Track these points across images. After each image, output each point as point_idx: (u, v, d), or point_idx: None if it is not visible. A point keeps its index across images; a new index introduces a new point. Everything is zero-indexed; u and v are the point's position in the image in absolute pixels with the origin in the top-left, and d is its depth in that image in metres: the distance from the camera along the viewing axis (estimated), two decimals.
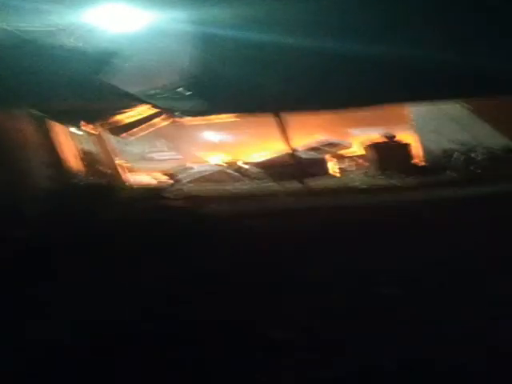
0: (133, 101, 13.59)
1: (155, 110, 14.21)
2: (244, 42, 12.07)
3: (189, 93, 13.13)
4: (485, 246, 7.04)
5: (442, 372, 4.17)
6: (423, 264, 6.54)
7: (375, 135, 15.72)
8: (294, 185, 13.39)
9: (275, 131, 13.78)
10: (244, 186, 14.58)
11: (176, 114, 13.65)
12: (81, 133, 15.81)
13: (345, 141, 17.63)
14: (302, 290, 6.03)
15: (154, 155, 19.81)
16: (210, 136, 19.65)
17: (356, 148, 16.46)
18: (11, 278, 6.93)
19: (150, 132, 16.52)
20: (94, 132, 15.77)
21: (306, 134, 17.19)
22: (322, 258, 7.28)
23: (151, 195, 12.99)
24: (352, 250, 7.51)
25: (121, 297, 6.11)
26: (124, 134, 16.45)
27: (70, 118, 14.48)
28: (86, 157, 15.73)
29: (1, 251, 7.96)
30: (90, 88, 12.45)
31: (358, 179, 14.18)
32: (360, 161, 15.67)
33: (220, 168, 15.90)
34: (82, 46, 17.93)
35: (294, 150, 14.17)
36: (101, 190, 12.43)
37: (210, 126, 17.14)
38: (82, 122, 14.92)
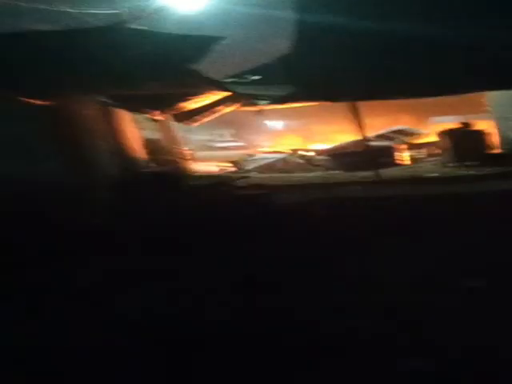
0: (208, 86, 13.21)
1: (222, 96, 13.86)
2: (325, 28, 11.69)
3: (266, 79, 12.59)
4: None
5: None
6: (502, 256, 6.03)
7: (451, 123, 15.16)
8: (363, 174, 12.90)
9: (347, 118, 13.33)
10: (310, 174, 14.25)
11: (253, 101, 13.16)
12: (147, 120, 15.88)
13: (417, 129, 17.12)
14: (370, 283, 5.63)
15: (219, 143, 19.85)
16: (277, 123, 19.54)
17: (429, 136, 15.91)
18: (72, 268, 6.85)
19: (215, 119, 16.42)
20: (161, 119, 15.81)
21: (380, 121, 16.80)
22: (390, 249, 6.85)
23: (216, 184, 12.80)
24: (422, 241, 7.08)
25: (186, 289, 5.89)
26: (190, 121, 16.44)
27: (137, 104, 14.49)
28: (152, 144, 15.77)
29: (67, 240, 7.90)
30: (161, 73, 12.22)
31: (429, 168, 13.62)
32: (433, 149, 15.08)
33: (286, 156, 15.60)
34: (148, 29, 18.03)
35: (365, 138, 13.55)
36: (166, 179, 12.31)
37: (276, 113, 16.90)
38: (149, 109, 14.96)
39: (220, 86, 12.74)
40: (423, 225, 7.92)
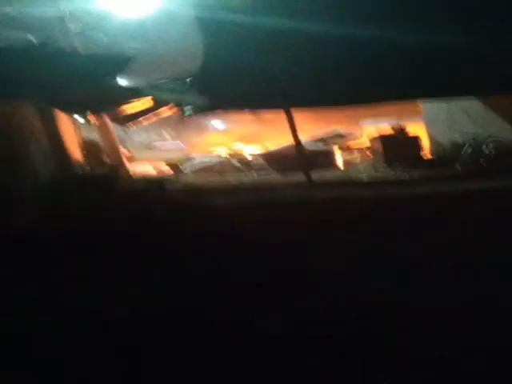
0: (137, 92, 13.28)
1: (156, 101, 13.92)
2: (256, 30, 11.74)
3: (195, 85, 12.55)
4: (485, 241, 6.77)
5: None
6: (421, 259, 6.27)
7: (385, 126, 15.49)
8: (298, 177, 13.10)
9: (283, 122, 13.47)
10: (247, 177, 14.40)
11: (180, 108, 13.16)
12: (86, 122, 15.76)
13: (352, 132, 17.45)
14: (300, 284, 5.78)
15: (158, 144, 19.80)
16: (215, 126, 19.62)
17: (364, 139, 16.25)
18: (10, 270, 6.80)
19: (154, 122, 16.42)
20: (99, 122, 15.72)
21: (315, 124, 17.03)
22: (322, 251, 7.02)
23: (152, 185, 12.83)
24: (352, 244, 7.27)
25: (116, 291, 5.92)
26: (129, 124, 16.41)
27: (76, 108, 14.39)
28: (91, 146, 15.69)
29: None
30: (95, 78, 12.21)
31: (363, 171, 13.91)
32: (367, 152, 15.43)
33: (223, 159, 15.72)
34: (89, 33, 17.91)
35: (300, 141, 13.70)
36: (102, 180, 12.29)
37: (215, 116, 17.05)
38: (88, 112, 14.85)
39: (146, 93, 12.76)
40: (347, 227, 8.13)
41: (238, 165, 15.23)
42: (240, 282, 5.85)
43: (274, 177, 14.11)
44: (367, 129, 17.18)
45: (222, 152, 16.61)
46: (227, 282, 5.90)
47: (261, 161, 15.18)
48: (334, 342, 4.22)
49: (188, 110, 12.92)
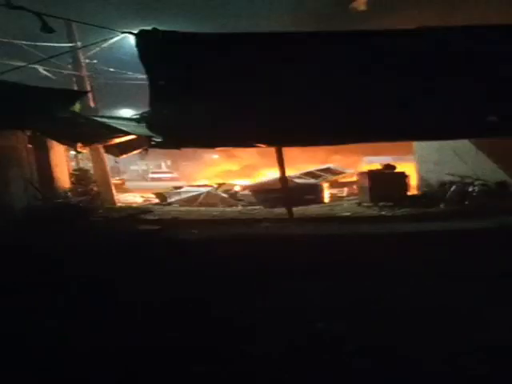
0: (114, 129, 13.22)
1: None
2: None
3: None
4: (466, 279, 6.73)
5: None
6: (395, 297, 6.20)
7: (376, 164, 15.50)
8: (282, 210, 13.06)
9: (272, 156, 13.40)
10: (229, 209, 14.39)
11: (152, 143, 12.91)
12: (77, 153, 15.94)
13: (343, 168, 17.48)
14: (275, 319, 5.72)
15: (151, 174, 19.96)
16: (207, 157, 19.77)
17: (353, 175, 16.24)
18: None
19: (151, 153, 16.51)
20: (91, 152, 15.88)
21: (305, 157, 17.10)
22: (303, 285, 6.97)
23: (132, 216, 12.83)
24: (335, 278, 7.21)
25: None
26: (120, 154, 16.53)
27: (68, 139, 14.54)
28: (80, 176, 15.85)
29: None
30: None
31: (347, 207, 13.85)
32: (353, 188, 15.39)
33: (210, 190, 15.74)
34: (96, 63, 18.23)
35: (287, 175, 13.67)
36: (83, 209, 12.36)
37: (206, 148, 17.10)
38: (79, 143, 14.98)
39: (119, 130, 12.75)
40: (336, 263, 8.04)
41: (224, 196, 15.25)
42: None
43: (259, 209, 14.07)
44: (360, 165, 17.22)
45: (210, 183, 16.67)
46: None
47: (246, 193, 15.18)
48: None
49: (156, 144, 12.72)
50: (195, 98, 10.60)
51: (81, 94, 12.82)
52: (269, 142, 12.07)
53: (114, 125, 12.58)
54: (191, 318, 5.78)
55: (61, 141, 14.46)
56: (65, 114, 11.80)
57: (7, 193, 11.95)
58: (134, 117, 13.75)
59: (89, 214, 12.17)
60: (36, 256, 8.52)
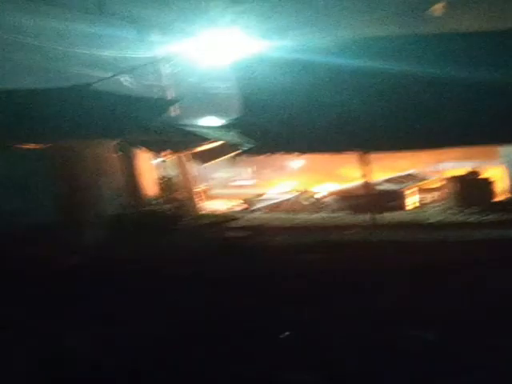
0: (213, 133, 13.61)
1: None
2: (340, 72, 11.85)
3: (271, 126, 12.59)
4: None
5: None
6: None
7: (461, 169, 15.11)
8: (364, 217, 12.95)
9: (355, 161, 13.34)
10: (312, 216, 14.38)
11: (243, 149, 13.18)
12: (163, 161, 16.38)
13: (426, 174, 17.11)
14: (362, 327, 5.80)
15: (234, 182, 20.20)
16: (290, 164, 19.81)
17: (437, 181, 15.88)
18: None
19: (229, 160, 16.77)
20: (176, 160, 16.28)
21: (389, 163, 16.85)
22: (386, 293, 7.00)
23: (218, 224, 13.11)
24: (416, 288, 7.19)
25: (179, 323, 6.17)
26: (205, 162, 16.87)
27: (154, 147, 15.01)
28: (166, 184, 16.27)
29: (74, 273, 8.31)
30: (176, 119, 12.77)
31: (431, 214, 13.56)
32: (439, 194, 15.04)
33: (294, 197, 15.79)
34: (177, 73, 18.73)
35: (373, 182, 13.56)
36: (168, 218, 12.71)
37: (288, 156, 17.22)
38: (165, 152, 15.42)
39: (204, 135, 13.02)
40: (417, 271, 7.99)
41: (307, 203, 15.27)
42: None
43: (342, 216, 14.02)
44: (443, 171, 16.79)
45: (293, 190, 16.71)
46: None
47: (330, 199, 15.14)
48: None
49: (246, 150, 12.94)
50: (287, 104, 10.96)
51: (171, 103, 13.11)
52: (363, 147, 12.12)
53: (202, 132, 12.89)
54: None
55: (148, 149, 14.93)
56: (155, 122, 12.16)
57: (98, 202, 12.45)
58: (222, 124, 14.03)
59: (176, 222, 12.51)
60: None
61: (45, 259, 8.80)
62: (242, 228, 12.69)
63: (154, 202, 14.31)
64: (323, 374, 4.74)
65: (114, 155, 13.95)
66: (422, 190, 15.51)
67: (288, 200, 15.58)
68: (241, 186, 19.62)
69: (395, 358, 4.89)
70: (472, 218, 12.66)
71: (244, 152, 12.74)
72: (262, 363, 4.98)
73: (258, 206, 15.58)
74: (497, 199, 13.90)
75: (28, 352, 5.46)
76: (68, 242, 9.72)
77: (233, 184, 20.26)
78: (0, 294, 7.36)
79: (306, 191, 16.16)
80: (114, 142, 13.97)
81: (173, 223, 12.25)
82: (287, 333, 5.13)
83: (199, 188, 16.83)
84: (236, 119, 13.73)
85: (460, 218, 12.89)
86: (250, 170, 20.78)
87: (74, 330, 6.06)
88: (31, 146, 11.45)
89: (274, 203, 15.57)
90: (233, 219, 13.67)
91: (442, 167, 17.08)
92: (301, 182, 17.65)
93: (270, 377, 4.72)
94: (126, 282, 8.11)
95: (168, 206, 14.10)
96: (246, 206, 15.87)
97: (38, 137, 11.25)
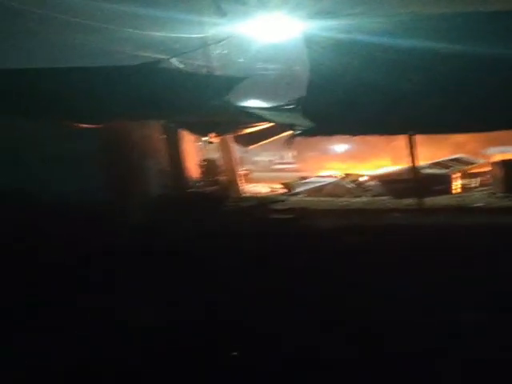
0: (260, 115, 13.58)
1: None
2: (388, 53, 11.70)
3: (317, 108, 12.52)
4: None
5: None
6: None
7: (510, 153, 14.79)
8: (412, 201, 12.79)
9: (402, 144, 13.19)
10: (356, 199, 14.29)
11: (294, 131, 13.16)
12: (208, 143, 16.50)
13: (475, 158, 16.79)
14: (402, 311, 5.75)
15: (275, 165, 20.23)
16: (333, 147, 19.68)
17: (485, 166, 15.56)
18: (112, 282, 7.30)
19: (272, 143, 16.79)
20: (220, 141, 16.38)
21: (436, 148, 16.61)
22: (430, 278, 6.91)
23: (263, 206, 13.15)
24: (464, 272, 7.08)
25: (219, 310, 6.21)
26: (248, 145, 16.94)
27: (200, 129, 15.12)
28: (210, 166, 16.41)
29: (115, 254, 8.44)
30: (224, 100, 12.75)
31: (477, 198, 13.31)
32: (486, 179, 14.75)
33: (336, 180, 15.71)
34: (227, 54, 18.76)
35: (417, 165, 13.21)
36: (213, 200, 12.81)
37: (332, 138, 17.13)
38: (211, 134, 15.53)
39: (263, 118, 12.99)
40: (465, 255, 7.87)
41: (350, 187, 15.17)
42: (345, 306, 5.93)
43: (386, 200, 13.88)
44: (492, 155, 16.44)
45: (336, 174, 16.65)
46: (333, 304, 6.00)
47: (373, 183, 15.01)
48: None
49: (303, 132, 12.92)
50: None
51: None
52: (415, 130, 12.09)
53: (253, 114, 12.87)
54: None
55: (194, 131, 15.05)
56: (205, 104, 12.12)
57: (144, 182, 12.64)
58: (272, 106, 14.00)
59: (220, 204, 12.60)
60: None
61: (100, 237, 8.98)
62: (288, 210, 12.68)
63: (196, 184, 14.45)
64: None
65: (162, 137, 14.13)
66: (469, 175, 15.26)
67: (331, 183, 15.52)
68: (282, 170, 19.66)
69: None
70: None
71: (296, 135, 12.76)
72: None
73: (301, 189, 15.56)
74: None
75: None
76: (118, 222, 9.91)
77: (274, 167, 20.29)
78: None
79: (350, 174, 16.09)
80: (162, 124, 14.13)
81: (217, 205, 12.34)
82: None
83: (243, 170, 16.92)
84: (287, 101, 13.73)
85: (503, 202, 12.64)
86: (290, 153, 20.76)
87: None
88: (85, 125, 11.59)
89: (317, 187, 15.52)
90: (278, 201, 13.68)
91: (490, 152, 16.73)
92: (342, 165, 17.58)
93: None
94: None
95: (211, 188, 14.22)
96: (289, 189, 15.86)
97: (90, 117, 11.39)
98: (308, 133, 12.69)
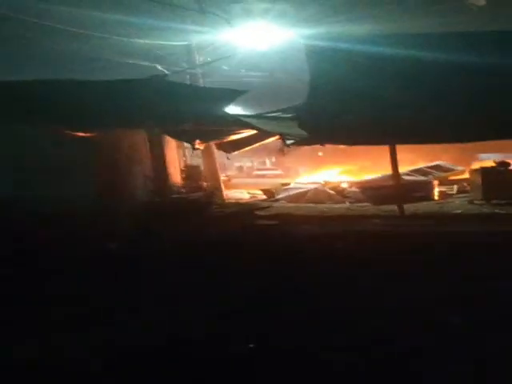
0: (245, 123, 13.64)
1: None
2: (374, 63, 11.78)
3: (297, 119, 12.46)
4: None
5: None
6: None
7: (488, 161, 15.05)
8: (389, 207, 12.97)
9: (384, 152, 13.31)
10: (336, 206, 14.45)
11: (284, 141, 13.17)
12: (193, 150, 16.56)
13: (454, 165, 17.07)
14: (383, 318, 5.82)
15: (258, 171, 20.37)
16: (314, 154, 19.89)
17: (465, 172, 15.83)
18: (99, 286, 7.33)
19: (256, 149, 16.89)
20: (203, 149, 16.44)
21: (417, 155, 16.86)
22: (409, 284, 7.00)
23: (244, 211, 13.24)
24: (441, 277, 7.19)
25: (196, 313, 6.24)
26: (231, 151, 17.01)
27: (185, 136, 15.14)
28: (193, 172, 16.45)
29: (100, 259, 8.46)
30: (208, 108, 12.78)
31: (458, 205, 13.53)
32: (465, 186, 14.99)
33: (318, 186, 15.85)
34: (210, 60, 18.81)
35: (400, 172, 13.50)
36: (195, 205, 12.87)
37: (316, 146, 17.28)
38: (196, 140, 15.56)
39: (249, 125, 13.02)
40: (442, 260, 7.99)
41: (331, 192, 15.33)
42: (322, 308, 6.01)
43: (366, 206, 14.05)
44: (474, 163, 16.72)
45: (318, 180, 16.79)
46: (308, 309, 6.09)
47: (354, 189, 15.18)
48: None
49: (291, 141, 12.97)
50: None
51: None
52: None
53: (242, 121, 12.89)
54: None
55: (179, 138, 15.06)
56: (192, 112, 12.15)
57: (131, 189, 12.70)
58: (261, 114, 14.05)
59: (205, 210, 12.68)
60: None
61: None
62: (272, 216, 12.77)
63: (180, 190, 14.51)
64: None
65: (148, 144, 14.20)
66: (449, 181, 15.50)
67: (312, 190, 15.64)
68: (262, 176, 19.78)
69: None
70: (498, 210, 12.61)
71: (286, 144, 12.86)
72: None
73: (282, 195, 15.68)
74: None
75: None
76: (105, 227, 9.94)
77: (254, 173, 20.41)
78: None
79: (331, 181, 16.25)
80: (148, 132, 14.18)
81: (202, 210, 12.42)
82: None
83: (222, 176, 17.00)
84: (275, 109, 13.81)
85: (486, 209, 12.86)
86: (270, 160, 20.95)
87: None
88: (79, 134, 11.65)
89: (298, 193, 15.65)
90: (261, 207, 13.78)
91: (478, 159, 17.03)
92: (327, 172, 17.75)
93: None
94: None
95: (194, 194, 14.28)
96: (269, 195, 15.97)
97: (86, 126, 11.47)
98: (299, 142, 12.79)
